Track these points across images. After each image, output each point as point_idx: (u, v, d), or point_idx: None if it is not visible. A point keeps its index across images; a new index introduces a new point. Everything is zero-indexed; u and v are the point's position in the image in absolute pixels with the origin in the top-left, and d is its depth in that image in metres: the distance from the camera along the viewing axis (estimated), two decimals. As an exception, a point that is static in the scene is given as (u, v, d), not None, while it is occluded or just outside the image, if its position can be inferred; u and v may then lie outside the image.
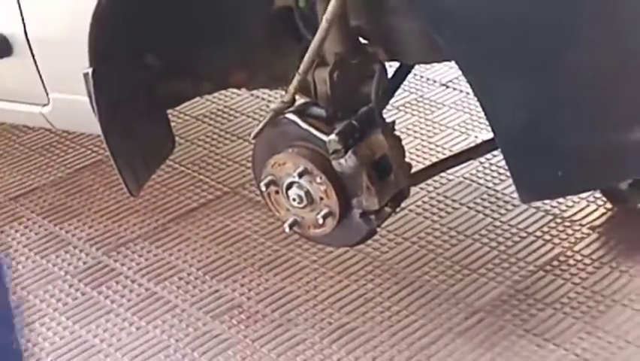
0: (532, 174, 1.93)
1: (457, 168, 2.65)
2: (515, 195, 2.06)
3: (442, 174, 2.69)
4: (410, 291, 2.40)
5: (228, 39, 2.26)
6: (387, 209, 2.08)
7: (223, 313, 2.38)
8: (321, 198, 2.05)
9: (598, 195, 2.60)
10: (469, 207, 2.65)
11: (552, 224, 2.55)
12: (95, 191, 2.88)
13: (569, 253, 2.45)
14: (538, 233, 2.53)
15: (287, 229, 2.12)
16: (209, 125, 3.14)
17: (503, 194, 2.68)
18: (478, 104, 1.88)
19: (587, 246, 2.47)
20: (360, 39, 2.10)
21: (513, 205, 2.63)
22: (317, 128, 2.03)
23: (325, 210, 2.05)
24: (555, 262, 2.43)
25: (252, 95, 3.22)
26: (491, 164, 2.78)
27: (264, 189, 2.10)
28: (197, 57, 2.31)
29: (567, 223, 2.55)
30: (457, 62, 1.88)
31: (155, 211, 2.77)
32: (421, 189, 2.70)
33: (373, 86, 2.04)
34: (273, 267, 2.52)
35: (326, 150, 2.01)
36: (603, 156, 1.89)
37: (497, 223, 2.58)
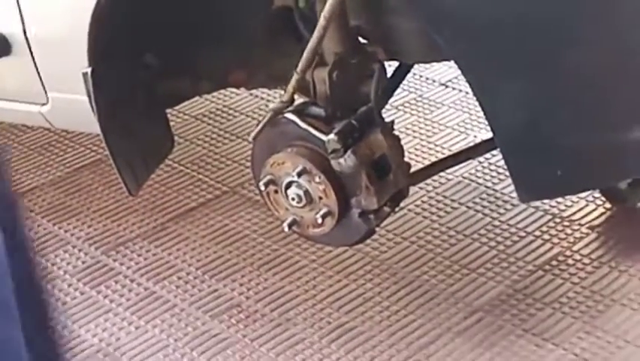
0: (531, 174, 1.93)
1: (456, 167, 2.65)
2: (514, 194, 2.07)
3: (441, 174, 2.69)
4: (409, 290, 2.40)
5: (228, 39, 2.27)
6: (386, 208, 2.08)
7: (222, 313, 2.38)
8: (320, 198, 2.05)
9: (597, 194, 2.60)
10: (468, 207, 2.65)
11: (551, 224, 2.55)
12: (94, 190, 2.88)
13: (568, 253, 2.45)
14: (537, 233, 2.53)
15: (286, 229, 2.12)
16: (209, 124, 3.14)
17: (502, 193, 2.68)
18: (477, 103, 1.88)
19: (586, 245, 2.47)
20: (360, 39, 2.10)
21: (512, 205, 2.63)
22: (316, 128, 2.03)
23: (324, 210, 2.05)
24: (554, 262, 2.43)
25: (251, 94, 3.22)
26: (490, 163, 2.78)
27: (263, 188, 2.10)
28: (197, 56, 2.31)
29: (566, 223, 2.55)
30: (456, 62, 1.88)
31: (154, 211, 2.77)
32: (420, 188, 2.69)
33: (372, 86, 2.04)
34: (272, 266, 2.52)
35: (325, 150, 2.01)
36: (602, 155, 1.90)
37: (496, 223, 2.58)
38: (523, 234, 2.53)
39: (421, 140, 2.93)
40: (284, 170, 2.07)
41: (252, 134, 2.10)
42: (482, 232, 2.55)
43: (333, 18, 1.93)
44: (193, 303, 2.42)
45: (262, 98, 3.21)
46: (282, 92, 2.09)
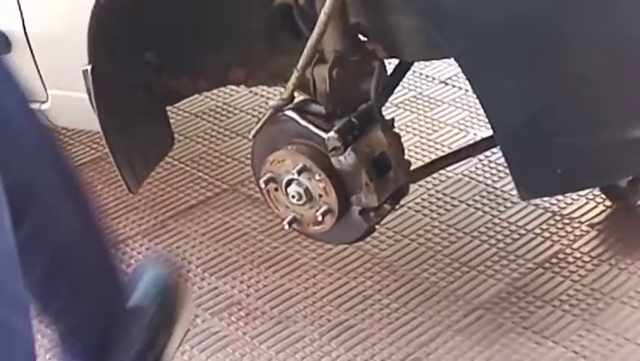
0: (531, 172, 1.93)
1: (457, 165, 2.65)
2: (514, 192, 2.07)
3: (441, 172, 2.69)
4: (409, 288, 2.40)
5: (227, 36, 2.26)
6: (386, 206, 2.08)
7: (222, 311, 2.38)
8: (320, 196, 2.05)
9: (597, 192, 2.60)
10: (468, 205, 2.65)
11: (551, 221, 2.55)
12: (94, 188, 2.88)
13: (568, 251, 2.45)
14: (538, 230, 2.53)
15: (286, 226, 2.12)
16: (208, 122, 3.14)
17: (502, 191, 2.68)
18: (477, 101, 1.88)
19: (586, 243, 2.47)
20: (360, 36, 2.10)
21: (512, 203, 2.63)
22: (316, 126, 2.03)
23: (324, 208, 2.05)
24: (554, 260, 2.43)
25: (250, 92, 3.22)
26: (490, 161, 2.78)
27: (263, 186, 2.10)
28: (196, 54, 2.31)
29: (566, 221, 2.55)
30: (456, 60, 1.88)
31: (154, 208, 2.77)
32: (420, 186, 2.69)
33: (373, 84, 2.04)
34: (272, 264, 2.52)
35: (325, 147, 2.01)
36: (602, 153, 1.90)
37: (496, 221, 2.58)
38: (524, 231, 2.53)
39: (421, 137, 2.93)
40: (284, 167, 2.07)
41: (252, 132, 2.10)
42: (482, 229, 2.56)
43: (334, 15, 1.92)
44: (193, 300, 2.42)
45: (262, 96, 3.21)
46: (282, 89, 2.09)
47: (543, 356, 2.17)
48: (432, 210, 2.64)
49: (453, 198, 2.68)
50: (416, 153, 2.85)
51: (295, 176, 2.05)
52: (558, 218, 2.56)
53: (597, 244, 2.47)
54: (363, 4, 2.02)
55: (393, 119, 2.10)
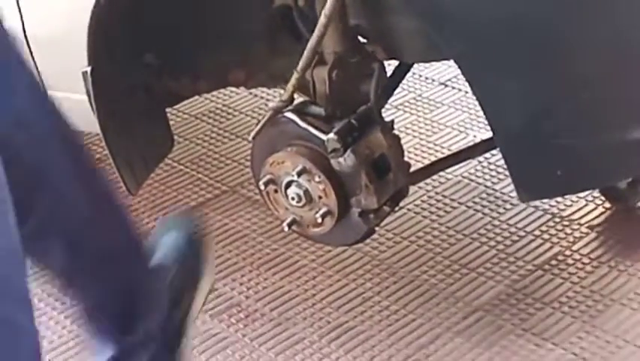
0: (530, 174, 1.93)
1: (456, 167, 2.65)
2: (514, 194, 2.07)
3: (441, 173, 2.69)
4: (408, 290, 2.40)
5: (227, 38, 2.26)
6: (386, 208, 2.08)
7: (222, 312, 2.38)
8: (320, 197, 2.05)
9: (596, 194, 2.60)
10: (467, 207, 2.65)
11: (551, 223, 2.55)
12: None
13: (568, 253, 2.46)
14: (537, 232, 2.53)
15: (286, 228, 2.12)
16: (208, 123, 3.14)
17: (502, 193, 2.68)
18: (476, 103, 1.88)
19: (586, 245, 2.47)
20: (359, 38, 2.10)
21: (512, 204, 2.63)
22: (316, 127, 2.03)
23: (324, 209, 2.05)
24: (553, 261, 2.43)
25: (250, 93, 3.22)
26: (490, 163, 2.78)
27: (262, 187, 2.10)
28: (196, 56, 2.31)
29: (566, 222, 2.55)
30: (455, 61, 1.88)
31: (153, 210, 2.77)
32: (420, 188, 2.70)
33: (372, 85, 2.04)
34: (271, 266, 2.52)
35: (325, 149, 2.01)
36: (602, 155, 1.90)
37: (496, 222, 2.58)
38: (523, 233, 2.53)
39: (421, 139, 2.93)
40: (284, 169, 2.07)
41: (252, 134, 2.10)
42: (482, 231, 2.56)
43: (334, 16, 1.92)
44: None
45: (262, 98, 3.21)
46: (282, 91, 2.09)
47: (543, 357, 2.17)
48: (431, 212, 2.64)
49: (452, 200, 2.68)
50: (416, 154, 2.85)
51: (295, 178, 2.05)
52: (558, 220, 2.56)
53: (597, 245, 2.47)
54: (363, 5, 2.02)
55: (392, 121, 2.10)
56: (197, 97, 2.81)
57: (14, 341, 1.21)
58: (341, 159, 2.00)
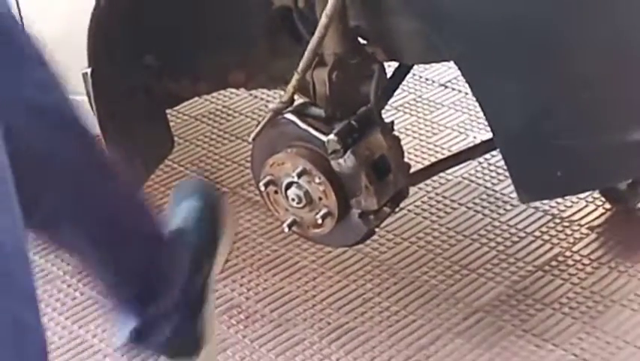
0: (531, 175, 1.93)
1: (456, 168, 2.65)
2: (514, 195, 2.07)
3: (441, 174, 2.69)
4: (409, 291, 2.40)
5: (227, 39, 2.27)
6: (386, 209, 2.08)
7: (222, 313, 2.38)
8: (320, 198, 2.05)
9: (597, 195, 2.60)
10: (467, 208, 2.65)
11: (551, 224, 2.55)
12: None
13: (568, 253, 2.46)
14: (537, 233, 2.53)
15: (286, 229, 2.12)
16: (208, 125, 3.14)
17: (502, 194, 2.68)
18: (476, 104, 1.88)
19: (586, 246, 2.47)
20: (359, 39, 2.10)
21: (512, 205, 2.63)
22: (316, 129, 2.03)
23: (324, 210, 2.05)
24: (554, 262, 2.43)
25: (250, 95, 3.22)
26: (490, 164, 2.78)
27: (262, 189, 2.10)
28: (196, 57, 2.31)
29: (566, 223, 2.55)
30: (455, 63, 1.88)
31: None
32: (420, 189, 2.70)
33: (372, 87, 2.04)
34: (271, 267, 2.52)
35: (325, 150, 2.01)
36: (602, 156, 1.90)
37: (496, 223, 2.58)
38: (523, 234, 2.53)
39: (421, 140, 2.93)
40: (284, 170, 2.07)
41: (252, 135, 2.10)
42: (482, 232, 2.56)
43: (334, 17, 1.92)
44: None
45: (262, 99, 3.21)
46: (282, 92, 2.09)
47: (543, 358, 2.17)
48: (432, 213, 2.64)
49: (452, 200, 2.68)
50: (416, 155, 2.85)
51: (295, 179, 2.05)
52: (558, 221, 2.56)
53: (597, 246, 2.47)
54: (363, 7, 2.02)
55: (392, 122, 2.10)
56: (197, 98, 2.81)
57: (21, 339, 1.21)
58: (341, 160, 2.00)
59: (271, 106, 2.08)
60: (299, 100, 2.10)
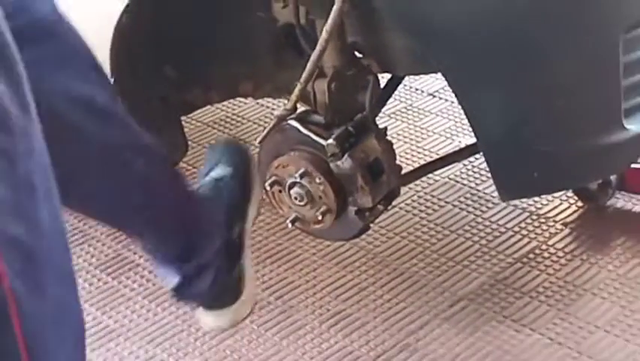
0: (510, 175, 1.93)
1: (443, 169, 2.65)
2: (495, 194, 2.07)
3: (430, 175, 2.69)
4: (400, 281, 2.40)
5: (237, 53, 2.27)
6: (380, 207, 2.08)
7: (231, 301, 2.38)
8: (320, 197, 2.05)
9: (570, 194, 2.60)
10: (453, 205, 2.65)
11: (528, 220, 2.55)
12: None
13: (544, 247, 2.46)
14: (516, 228, 2.53)
15: (289, 225, 2.12)
16: (219, 130, 3.14)
17: (484, 193, 2.68)
18: (462, 112, 1.89)
19: (560, 240, 2.48)
20: (356, 53, 2.10)
21: (493, 203, 2.63)
22: (316, 134, 2.04)
23: (324, 208, 2.05)
24: (531, 255, 2.44)
25: (257, 103, 3.22)
26: (474, 166, 2.78)
27: (268, 188, 2.11)
28: (209, 69, 2.31)
29: (542, 220, 2.55)
30: (443, 74, 1.88)
31: (169, 208, 2.77)
32: (410, 188, 2.70)
33: (367, 96, 2.04)
34: (276, 259, 2.52)
35: (324, 154, 2.01)
36: (574, 159, 1.90)
37: (479, 220, 2.58)
38: (504, 230, 2.53)
39: (411, 145, 2.93)
40: (287, 172, 2.07)
41: (259, 139, 2.10)
42: (466, 228, 2.56)
43: (334, 33, 1.93)
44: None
45: (267, 107, 3.21)
46: (286, 101, 2.09)
47: (521, 342, 2.18)
48: (421, 211, 2.64)
49: (440, 199, 2.68)
50: (407, 158, 2.85)
51: (298, 179, 2.05)
52: (535, 217, 2.56)
53: (570, 240, 2.48)
54: (360, 24, 2.02)
55: (386, 128, 2.10)
56: (209, 106, 2.81)
57: (62, 318, 1.19)
58: (339, 163, 2.00)
59: (276, 113, 2.08)
60: (301, 108, 2.10)
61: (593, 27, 1.79)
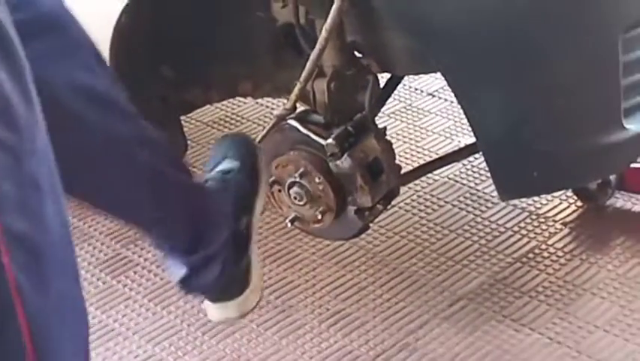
0: (510, 175, 1.93)
1: (443, 169, 2.65)
2: (495, 193, 2.07)
3: (429, 175, 2.69)
4: (400, 280, 2.40)
5: (236, 53, 2.27)
6: (379, 206, 2.08)
7: (231, 300, 2.38)
8: (320, 197, 2.05)
9: (569, 193, 2.60)
10: (452, 205, 2.65)
11: (528, 220, 2.55)
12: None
13: (543, 247, 2.46)
14: (516, 228, 2.53)
15: (289, 224, 2.12)
16: (219, 130, 3.14)
17: (484, 193, 2.68)
18: (461, 111, 1.89)
19: (560, 240, 2.48)
20: (355, 53, 2.10)
21: (493, 203, 2.63)
22: (316, 133, 2.04)
23: (323, 207, 2.05)
24: (531, 255, 2.44)
25: (257, 103, 3.22)
26: (473, 166, 2.78)
27: (268, 188, 2.11)
28: (209, 69, 2.32)
29: (542, 219, 2.55)
30: (442, 74, 1.88)
31: (169, 208, 2.77)
32: (410, 188, 2.70)
33: (367, 96, 2.04)
34: (276, 258, 2.52)
35: (324, 153, 2.01)
36: (574, 159, 1.90)
37: (478, 219, 2.58)
38: (503, 229, 2.53)
39: (411, 144, 2.93)
40: (287, 171, 2.07)
41: (258, 139, 2.10)
42: (466, 227, 2.56)
43: (334, 31, 1.93)
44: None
45: (267, 107, 3.21)
46: (285, 100, 2.09)
47: (520, 342, 2.17)
48: (420, 210, 2.64)
49: (439, 199, 2.68)
50: (406, 158, 2.85)
51: (297, 179, 2.05)
52: (534, 217, 2.56)
53: (570, 240, 2.47)
54: (359, 23, 2.02)
55: (385, 128, 2.10)
56: (208, 106, 2.81)
57: (66, 312, 1.19)
58: (339, 162, 2.00)
59: (276, 113, 2.08)
60: (301, 107, 2.10)
61: (592, 27, 1.79)
